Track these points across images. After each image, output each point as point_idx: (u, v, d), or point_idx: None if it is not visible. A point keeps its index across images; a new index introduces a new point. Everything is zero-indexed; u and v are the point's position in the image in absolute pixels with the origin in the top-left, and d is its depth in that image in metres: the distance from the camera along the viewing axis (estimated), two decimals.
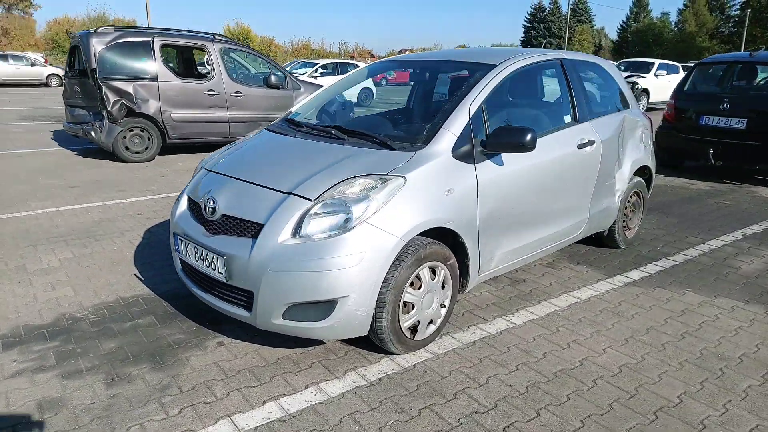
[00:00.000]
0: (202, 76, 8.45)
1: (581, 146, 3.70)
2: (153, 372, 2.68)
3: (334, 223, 2.56)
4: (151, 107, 7.77)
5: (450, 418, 2.38)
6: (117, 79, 7.52)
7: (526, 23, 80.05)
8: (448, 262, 2.92)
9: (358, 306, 2.55)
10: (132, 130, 7.83)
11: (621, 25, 75.00)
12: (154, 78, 7.74)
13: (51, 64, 29.95)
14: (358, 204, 2.57)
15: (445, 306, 3.01)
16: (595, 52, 73.19)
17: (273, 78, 8.61)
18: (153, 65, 7.74)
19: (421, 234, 2.79)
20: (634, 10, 74.11)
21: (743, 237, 4.98)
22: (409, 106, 4.30)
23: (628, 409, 2.47)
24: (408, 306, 2.78)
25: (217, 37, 8.44)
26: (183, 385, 2.57)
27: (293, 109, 3.91)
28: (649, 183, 4.79)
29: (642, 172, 4.64)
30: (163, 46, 7.90)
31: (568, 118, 3.77)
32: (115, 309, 3.35)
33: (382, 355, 2.87)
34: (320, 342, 2.98)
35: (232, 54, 8.74)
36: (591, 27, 79.53)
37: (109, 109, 7.46)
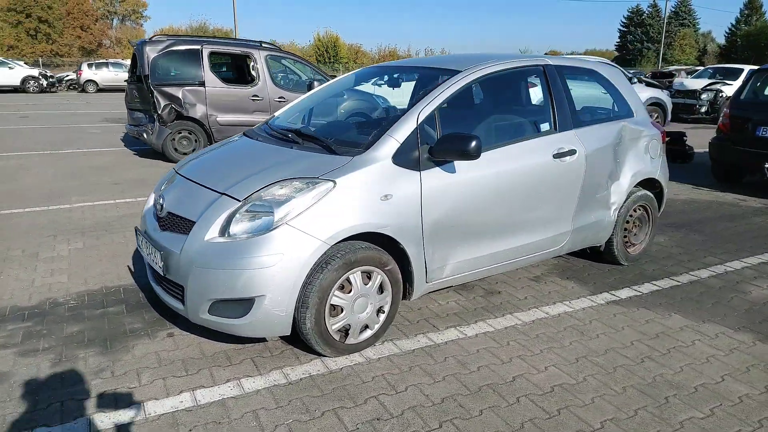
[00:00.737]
0: (247, 82, 8.84)
1: (559, 156, 3.55)
2: (97, 356, 2.88)
3: (257, 224, 2.64)
4: (198, 111, 8.24)
5: (349, 422, 2.39)
6: (167, 85, 8.04)
7: (621, 28, 76.51)
8: (386, 268, 2.92)
9: (276, 306, 2.61)
10: (180, 133, 8.33)
11: (730, 29, 69.78)
12: (202, 83, 8.20)
13: None
14: (281, 206, 2.64)
15: (384, 312, 3.00)
16: (699, 58, 68.51)
17: (315, 84, 8.82)
18: (201, 72, 8.20)
19: (355, 238, 2.81)
20: (745, 12, 68.72)
21: None
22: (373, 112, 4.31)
23: (539, 430, 2.36)
24: (337, 309, 2.81)
25: (263, 44, 8.81)
26: (117, 370, 2.75)
27: (276, 113, 4.04)
28: (660, 197, 4.49)
29: (652, 185, 4.37)
30: (211, 54, 8.35)
31: (545, 126, 3.64)
32: (95, 297, 3.61)
33: (315, 356, 2.91)
34: (263, 339, 3.06)
35: (278, 61, 9.08)
36: (695, 31, 74.61)
37: (159, 112, 7.99)
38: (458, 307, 3.56)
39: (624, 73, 4.19)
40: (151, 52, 7.94)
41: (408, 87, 3.94)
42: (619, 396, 2.62)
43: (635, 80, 11.86)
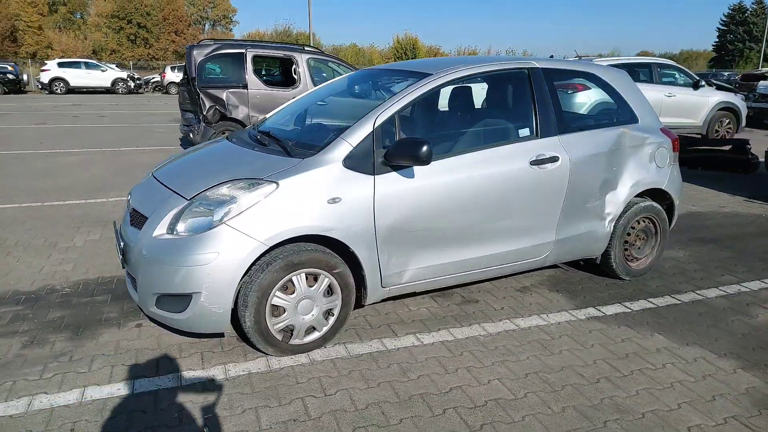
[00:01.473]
0: (289, 85, 9.08)
1: (537, 162, 3.41)
2: (65, 341, 3.08)
3: (199, 222, 2.73)
4: (241, 113, 8.56)
5: (265, 421, 2.43)
6: (212, 87, 8.42)
7: (721, 26, 71.49)
8: (334, 271, 2.93)
9: (212, 303, 2.69)
10: (224, 133, 8.68)
11: None
12: (245, 86, 8.52)
13: None
14: (222, 206, 2.72)
15: (333, 315, 3.02)
16: None
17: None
18: (244, 74, 8.52)
19: (301, 240, 2.85)
20: None
21: None
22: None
23: None
24: (279, 309, 2.85)
25: (306, 48, 9.02)
26: (75, 355, 2.93)
27: (267, 115, 4.14)
28: (670, 210, 4.19)
29: (660, 196, 4.09)
30: (255, 57, 8.66)
31: (525, 132, 3.50)
32: (89, 285, 3.87)
33: (262, 355, 2.97)
34: (220, 334, 3.16)
35: (320, 64, 9.26)
36: None
37: (204, 113, 8.38)
38: (428, 314, 3.50)
39: (626, 77, 3.90)
40: (198, 56, 8.34)
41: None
42: (553, 416, 2.49)
43: (703, 83, 11.07)
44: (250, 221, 2.70)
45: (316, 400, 2.59)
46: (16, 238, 4.81)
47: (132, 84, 27.24)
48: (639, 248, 4.11)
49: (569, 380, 2.79)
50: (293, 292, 2.86)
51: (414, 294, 3.72)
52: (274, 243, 2.74)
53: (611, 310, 3.62)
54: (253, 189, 2.76)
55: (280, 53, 8.92)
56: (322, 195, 2.84)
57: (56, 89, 25.42)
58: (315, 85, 8.86)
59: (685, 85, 10.95)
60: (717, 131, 11.31)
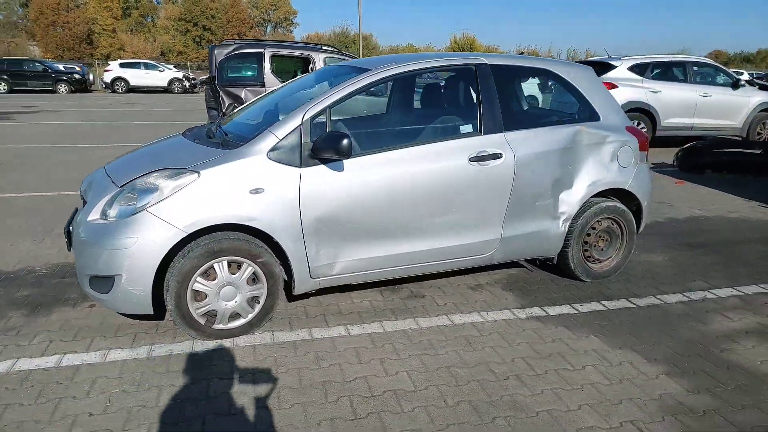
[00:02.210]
0: None
1: (477, 159, 3.40)
2: (20, 317, 3.34)
3: (125, 208, 2.90)
4: None
5: (164, 398, 2.56)
6: (232, 85, 8.73)
7: None
8: (258, 260, 3.04)
9: (132, 286, 2.85)
10: None
11: None
12: (263, 84, 8.78)
13: None
14: (145, 194, 2.88)
15: (259, 303, 3.12)
16: None
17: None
18: (262, 73, 8.79)
19: (224, 228, 2.97)
20: None
21: None
22: None
23: (333, 428, 2.36)
24: (201, 295, 2.99)
25: (324, 47, 9.20)
26: (23, 330, 3.17)
27: (236, 111, 4.29)
28: (639, 212, 4.06)
29: (627, 197, 3.98)
30: (273, 57, 8.91)
31: (467, 129, 3.49)
32: (65, 268, 4.14)
33: (190, 338, 3.11)
34: (160, 316, 3.33)
35: (337, 62, 9.40)
36: None
37: (223, 110, 8.70)
38: (368, 307, 3.56)
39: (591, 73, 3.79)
40: (219, 56, 8.67)
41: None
42: (445, 409, 2.51)
43: (743, 82, 10.48)
44: (170, 209, 2.85)
45: (221, 382, 2.70)
46: (20, 224, 5.19)
47: (187, 84, 28.40)
48: (602, 250, 4.00)
49: (478, 376, 2.78)
50: (215, 279, 2.98)
51: (362, 287, 3.79)
52: (193, 230, 2.87)
53: (557, 310, 3.56)
54: (175, 178, 2.91)
55: (297, 52, 9.14)
56: (244, 185, 2.95)
57: (117, 88, 26.85)
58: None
59: (723, 84, 10.41)
60: (759, 133, 10.68)
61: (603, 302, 3.69)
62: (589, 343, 3.13)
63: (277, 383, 2.69)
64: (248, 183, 2.96)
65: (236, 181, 2.94)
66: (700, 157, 8.38)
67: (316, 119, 3.14)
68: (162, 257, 2.85)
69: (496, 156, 3.45)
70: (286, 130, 3.07)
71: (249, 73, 8.84)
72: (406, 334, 3.22)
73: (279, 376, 2.75)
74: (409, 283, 3.91)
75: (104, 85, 27.44)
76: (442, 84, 3.86)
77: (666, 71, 10.30)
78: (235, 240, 2.97)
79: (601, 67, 10.17)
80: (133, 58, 46.46)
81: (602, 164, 3.82)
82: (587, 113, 3.86)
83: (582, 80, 3.89)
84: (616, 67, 9.93)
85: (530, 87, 4.32)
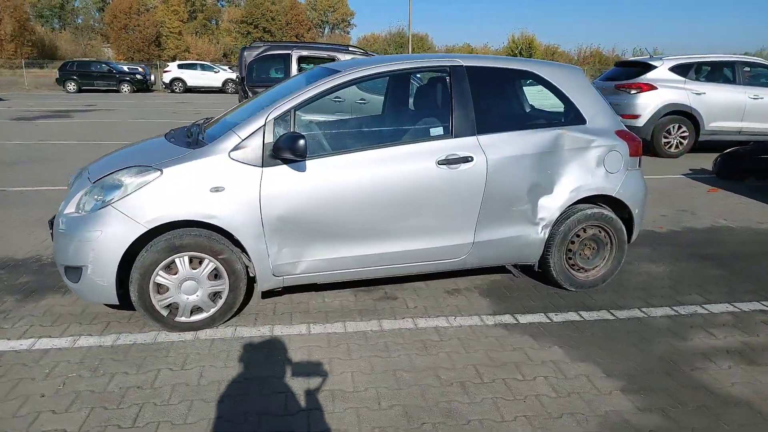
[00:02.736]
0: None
1: (447, 162, 3.37)
2: (12, 302, 3.56)
3: (94, 203, 3.05)
4: None
5: (114, 385, 2.68)
6: (260, 86, 8.94)
7: None
8: (220, 257, 3.13)
9: (97, 276, 3.00)
10: None
11: None
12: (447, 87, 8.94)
13: None
14: (111, 190, 3.02)
15: (221, 298, 3.21)
16: None
17: None
18: (289, 74, 8.96)
19: (187, 225, 3.08)
20: None
21: None
22: None
23: (230, 424, 2.41)
24: (163, 288, 3.10)
25: (350, 48, 9.28)
26: (10, 314, 3.39)
27: (225, 112, 4.40)
28: (630, 221, 3.89)
29: (616, 205, 3.83)
30: (300, 58, 9.07)
31: (438, 131, 3.46)
32: None
33: (157, 329, 3.23)
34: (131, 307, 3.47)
35: None
36: None
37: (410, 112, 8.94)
38: (338, 306, 3.59)
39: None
40: (248, 57, 8.91)
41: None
42: (376, 412, 2.51)
43: None
44: (133, 204, 2.97)
45: (171, 372, 2.80)
46: (41, 215, 5.52)
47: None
48: (588, 258, 3.87)
49: (422, 381, 2.76)
50: (176, 273, 3.09)
51: (337, 287, 3.82)
52: (154, 226, 2.98)
53: (529, 319, 3.47)
54: (139, 175, 3.03)
55: (324, 54, 9.26)
56: (205, 183, 3.04)
57: (175, 88, 28.01)
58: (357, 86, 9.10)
59: None
60: None
61: (581, 312, 3.56)
62: (550, 354, 3.04)
63: (220, 376, 2.76)
64: (209, 181, 3.05)
65: (197, 180, 3.04)
66: (741, 162, 7.91)
67: (280, 120, 3.19)
68: (124, 250, 2.97)
69: (467, 159, 3.40)
70: (249, 130, 3.14)
71: (277, 74, 9.04)
72: (365, 335, 3.22)
73: (223, 370, 2.82)
74: (385, 285, 3.91)
75: (164, 86, 28.67)
76: (417, 86, 3.84)
77: (712, 72, 9.78)
78: (197, 236, 3.07)
79: (642, 68, 9.79)
80: (197, 59, 48.19)
81: (587, 169, 3.69)
82: (572, 116, 3.74)
83: (567, 82, 3.77)
84: (656, 67, 9.52)
85: (529, 90, 4.21)
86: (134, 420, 2.42)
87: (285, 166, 3.14)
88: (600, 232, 3.84)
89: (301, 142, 2.97)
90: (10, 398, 2.56)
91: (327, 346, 3.09)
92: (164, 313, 3.14)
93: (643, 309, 3.62)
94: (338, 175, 3.21)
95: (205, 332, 3.21)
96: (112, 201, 2.99)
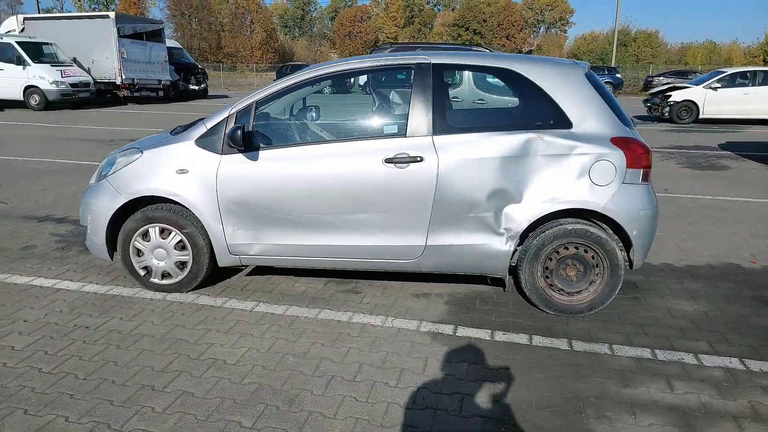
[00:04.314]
0: (450, 85, 9.33)
1: (394, 161, 3.34)
2: (56, 251, 4.46)
3: (98, 176, 3.72)
4: (404, 111, 9.29)
5: (79, 321, 3.29)
6: (383, 86, 9.35)
7: None
8: (184, 230, 3.57)
9: (94, 236, 3.65)
10: None
11: None
12: (410, 86, 9.20)
13: None
14: (108, 166, 3.66)
15: (187, 267, 3.65)
16: None
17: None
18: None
19: (160, 201, 3.58)
20: None
21: None
22: None
23: (139, 377, 2.78)
24: (140, 252, 3.65)
25: (474, 48, 9.14)
26: (44, 257, 4.28)
27: None
28: (626, 239, 3.38)
29: (608, 221, 3.38)
30: None
31: (392, 129, 3.44)
32: None
33: (140, 287, 3.80)
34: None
35: None
36: None
37: (373, 110, 9.41)
38: (300, 291, 3.79)
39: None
40: None
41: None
42: (234, 385, 2.69)
43: None
44: (119, 179, 3.57)
45: (120, 320, 3.32)
46: None
47: None
48: (570, 281, 3.46)
49: (299, 368, 2.85)
50: (149, 240, 3.61)
51: (313, 274, 4.02)
52: (131, 198, 3.53)
53: (469, 332, 3.27)
54: (128, 156, 3.62)
55: None
56: (172, 165, 3.50)
57: (366, 88, 30.08)
58: (475, 84, 8.97)
59: None
60: None
61: (535, 336, 3.23)
62: (452, 368, 2.86)
63: (148, 330, 3.19)
64: (176, 164, 3.50)
65: (166, 162, 3.51)
66: None
67: (242, 113, 3.49)
68: (110, 216, 3.58)
69: (417, 159, 3.33)
70: (214, 121, 3.51)
71: (399, 75, 9.33)
72: (294, 320, 3.38)
73: (155, 326, 3.24)
74: (359, 279, 3.99)
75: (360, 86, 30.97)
76: (378, 84, 3.80)
77: None
78: (167, 211, 3.55)
79: None
80: None
81: (566, 179, 3.30)
82: (554, 119, 3.37)
83: (552, 80, 3.39)
84: None
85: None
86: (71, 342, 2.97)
87: (240, 155, 3.45)
88: (586, 252, 3.40)
89: (238, 133, 3.25)
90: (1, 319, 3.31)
91: (253, 323, 3.33)
92: (142, 273, 3.69)
93: (615, 345, 3.14)
94: (286, 166, 3.41)
95: (173, 295, 3.68)
96: (107, 175, 3.62)
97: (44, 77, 16.18)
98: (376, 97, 8.79)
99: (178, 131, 3.91)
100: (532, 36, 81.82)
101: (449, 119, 3.42)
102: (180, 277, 3.68)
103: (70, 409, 2.46)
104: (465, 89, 8.87)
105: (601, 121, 3.35)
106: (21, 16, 19.19)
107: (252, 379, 2.74)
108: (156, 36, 20.31)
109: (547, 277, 3.47)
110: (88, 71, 18.22)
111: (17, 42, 16.42)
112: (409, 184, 3.34)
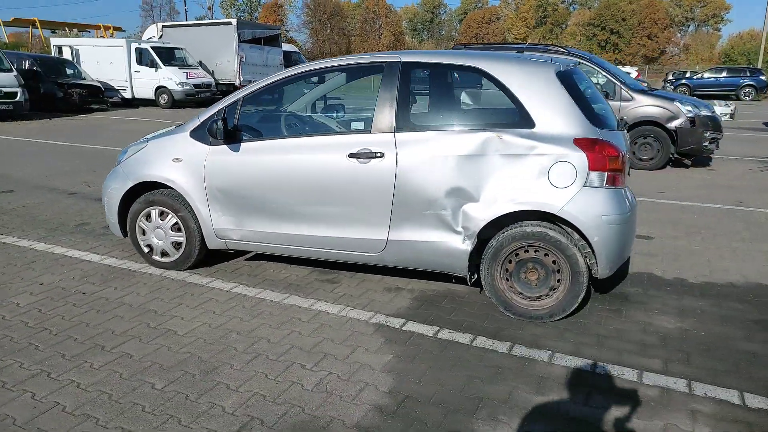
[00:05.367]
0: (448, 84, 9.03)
1: (357, 156, 3.45)
2: (64, 239, 4.95)
3: (117, 163, 4.24)
4: None
5: (80, 285, 3.81)
6: (474, 87, 9.33)
7: None
8: (179, 214, 3.96)
9: (109, 215, 4.17)
10: None
11: None
12: (480, 86, 9.09)
13: (644, 81, 31.31)
14: (123, 154, 4.15)
15: (180, 246, 4.04)
16: None
17: None
18: None
19: (159, 186, 4.00)
20: None
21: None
22: None
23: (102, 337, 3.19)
24: (144, 231, 4.10)
25: (551, 48, 8.77)
26: (54, 251, 4.90)
27: None
28: (591, 244, 3.20)
29: (570, 225, 3.24)
30: None
31: (358, 125, 3.54)
32: None
33: (144, 263, 4.25)
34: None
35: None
36: None
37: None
38: (282, 277, 4.03)
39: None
40: None
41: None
42: (167, 353, 2.99)
43: None
44: (128, 165, 4.05)
45: (114, 290, 3.77)
46: None
47: None
48: (531, 285, 3.34)
49: (225, 342, 3.07)
50: (151, 221, 4.05)
51: (303, 263, 4.23)
52: (136, 182, 3.98)
53: (413, 328, 3.28)
54: (138, 145, 4.08)
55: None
56: (169, 155, 3.90)
57: None
58: None
59: None
60: None
61: (480, 337, 3.17)
62: (370, 357, 2.93)
63: (133, 300, 3.60)
64: (172, 153, 3.89)
65: (165, 151, 3.92)
66: None
67: (230, 108, 3.79)
68: (120, 198, 4.07)
69: (378, 155, 3.40)
70: (206, 115, 3.85)
71: (466, 76, 9.23)
72: (259, 302, 3.62)
73: (138, 296, 3.65)
74: (343, 270, 4.13)
75: None
76: (352, 82, 3.88)
77: None
78: (165, 195, 3.96)
79: None
80: None
81: (524, 179, 3.20)
82: (517, 118, 3.27)
83: (518, 79, 3.28)
84: None
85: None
86: (72, 311, 3.47)
87: (225, 146, 3.75)
88: (547, 256, 3.27)
89: (214, 125, 3.55)
90: (15, 279, 3.91)
91: (223, 301, 3.62)
92: (146, 250, 4.14)
93: (557, 354, 2.99)
94: (264, 158, 3.66)
95: (170, 272, 4.09)
96: (121, 162, 4.11)
97: (172, 79, 18.09)
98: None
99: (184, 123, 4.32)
100: (679, 35, 75.47)
101: (413, 117, 3.45)
102: (176, 257, 4.07)
103: (28, 358, 2.89)
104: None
105: (566, 122, 3.20)
106: (160, 24, 21.61)
107: (188, 349, 3.01)
108: (273, 41, 21.77)
109: (507, 279, 3.37)
110: (212, 74, 20.03)
111: (152, 47, 18.54)
112: (371, 179, 3.43)
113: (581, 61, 8.66)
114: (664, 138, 8.26)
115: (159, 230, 4.04)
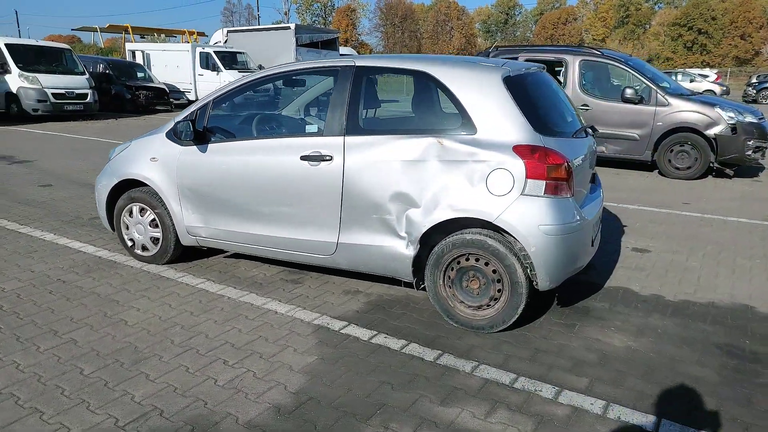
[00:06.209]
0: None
1: (308, 158, 3.50)
2: (72, 232, 5.30)
3: (108, 161, 4.52)
4: None
5: (61, 274, 4.11)
6: (424, 92, 9.16)
7: None
8: (156, 210, 4.18)
9: (100, 209, 4.44)
10: None
11: None
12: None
13: (723, 84, 29.39)
14: (112, 153, 4.42)
15: (158, 242, 4.25)
16: None
17: (627, 92, 7.93)
18: None
19: (140, 184, 4.23)
20: None
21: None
22: None
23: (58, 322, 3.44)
24: (127, 226, 4.35)
25: (584, 50, 8.45)
26: (58, 242, 5.24)
27: None
28: (528, 256, 3.09)
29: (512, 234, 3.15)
30: (526, 61, 8.80)
31: (312, 128, 3.58)
32: None
33: (129, 256, 4.50)
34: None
35: (596, 67, 8.45)
36: None
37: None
38: (249, 276, 4.14)
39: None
40: None
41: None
42: (109, 341, 3.18)
43: None
44: (115, 164, 4.31)
45: (93, 280, 4.02)
46: None
47: None
48: (473, 294, 3.27)
49: (167, 335, 3.21)
50: (132, 217, 4.29)
51: (275, 262, 4.33)
52: (119, 180, 4.23)
53: (355, 332, 3.30)
54: (124, 145, 4.33)
55: (550, 56, 8.72)
56: (147, 154, 4.12)
57: None
58: (581, 88, 8.34)
59: None
60: None
61: (413, 344, 3.14)
62: (289, 356, 2.98)
63: (104, 290, 3.83)
64: (150, 153, 4.11)
65: (144, 151, 4.14)
66: None
67: (200, 111, 3.96)
68: (107, 194, 4.33)
69: (327, 158, 3.45)
70: (181, 117, 4.04)
71: None
72: (216, 298, 3.74)
73: (109, 287, 3.87)
74: (311, 271, 4.19)
75: None
76: (309, 86, 3.91)
77: None
78: (144, 193, 4.19)
79: None
80: None
81: (463, 186, 3.15)
82: (459, 124, 3.21)
83: (462, 84, 3.22)
84: None
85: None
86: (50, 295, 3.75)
87: (194, 147, 3.92)
88: (487, 264, 3.19)
89: (177, 126, 3.74)
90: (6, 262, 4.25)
91: (183, 296, 3.77)
92: (129, 244, 4.38)
93: (482, 366, 2.92)
94: (227, 158, 3.80)
95: (149, 266, 4.31)
96: (109, 160, 4.38)
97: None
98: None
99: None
100: None
101: (363, 121, 3.47)
102: (155, 251, 4.28)
103: None
104: (568, 93, 8.31)
105: (507, 128, 3.12)
106: (225, 30, 22.58)
107: (129, 339, 3.17)
108: (330, 44, 22.19)
109: (450, 286, 3.32)
110: None
111: (215, 52, 19.40)
112: (321, 181, 3.48)
113: (616, 64, 8.30)
114: (703, 146, 7.75)
115: (139, 225, 4.27)
